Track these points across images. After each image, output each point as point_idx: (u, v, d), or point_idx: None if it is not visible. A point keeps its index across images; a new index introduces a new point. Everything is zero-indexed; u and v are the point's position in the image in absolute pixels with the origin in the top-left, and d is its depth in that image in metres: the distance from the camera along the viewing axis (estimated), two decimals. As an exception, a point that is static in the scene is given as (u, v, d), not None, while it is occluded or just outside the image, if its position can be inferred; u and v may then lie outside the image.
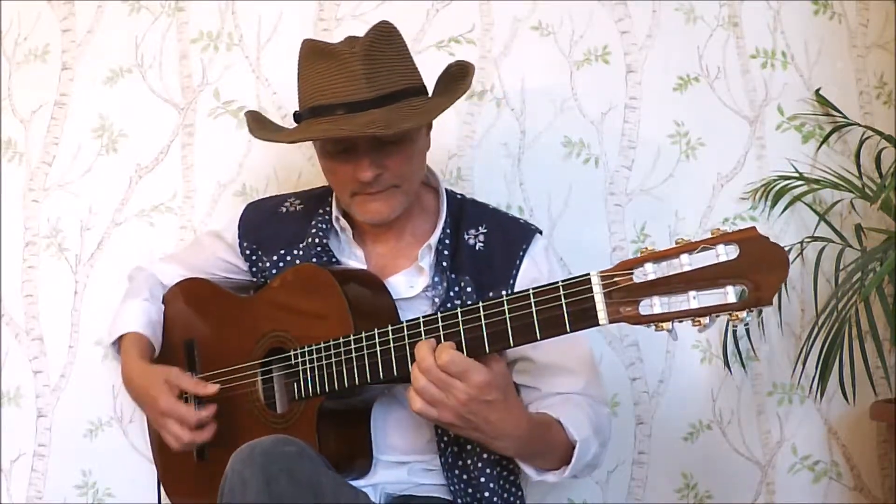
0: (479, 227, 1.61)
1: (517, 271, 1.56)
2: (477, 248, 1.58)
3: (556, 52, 2.00)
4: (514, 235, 1.60)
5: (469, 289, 1.54)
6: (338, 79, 1.46)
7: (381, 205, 1.53)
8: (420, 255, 1.57)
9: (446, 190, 1.65)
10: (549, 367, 1.55)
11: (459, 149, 1.99)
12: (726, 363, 1.95)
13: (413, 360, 1.33)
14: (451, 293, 1.54)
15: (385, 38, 1.51)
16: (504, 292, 1.48)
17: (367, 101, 1.45)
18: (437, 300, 1.54)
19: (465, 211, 1.63)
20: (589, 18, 2.00)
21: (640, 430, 1.99)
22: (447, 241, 1.58)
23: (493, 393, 1.30)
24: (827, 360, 1.72)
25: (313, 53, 1.51)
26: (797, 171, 1.97)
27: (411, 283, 1.57)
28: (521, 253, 1.58)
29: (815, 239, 1.93)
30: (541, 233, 1.64)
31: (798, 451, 2.00)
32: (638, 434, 1.99)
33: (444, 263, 1.56)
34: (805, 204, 1.98)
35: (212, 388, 1.56)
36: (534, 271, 1.57)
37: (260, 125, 1.65)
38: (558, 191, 1.99)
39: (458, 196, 1.68)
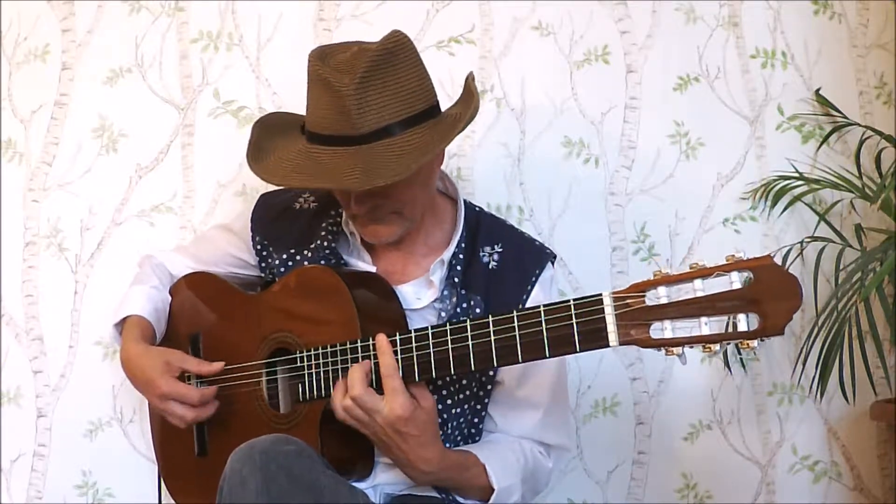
0: (496, 246, 1.58)
1: (527, 297, 1.55)
2: (490, 266, 1.56)
3: (556, 52, 2.00)
4: (529, 259, 1.58)
5: (479, 309, 1.52)
6: (327, 110, 1.41)
7: (382, 228, 1.51)
8: (432, 269, 1.55)
9: (464, 201, 1.63)
10: (516, 401, 1.56)
11: (459, 149, 1.99)
12: (726, 363, 1.95)
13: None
14: (459, 309, 1.52)
15: (387, 62, 1.41)
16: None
17: (352, 138, 1.40)
18: (444, 314, 1.53)
19: (482, 226, 1.61)
20: (589, 18, 2.00)
21: (640, 430, 1.99)
22: (461, 256, 1.56)
23: (408, 427, 1.36)
24: (827, 360, 1.72)
25: (312, 74, 1.44)
26: (797, 171, 1.97)
27: (419, 295, 1.56)
28: (534, 279, 1.56)
29: (815, 239, 1.93)
30: (554, 259, 1.62)
31: (798, 451, 2.00)
32: (638, 434, 1.99)
33: (456, 279, 1.54)
34: (805, 204, 1.98)
35: (216, 366, 1.56)
36: (541, 298, 1.56)
37: (258, 152, 1.55)
38: (558, 191, 1.99)
39: (477, 209, 1.65)
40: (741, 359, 1.95)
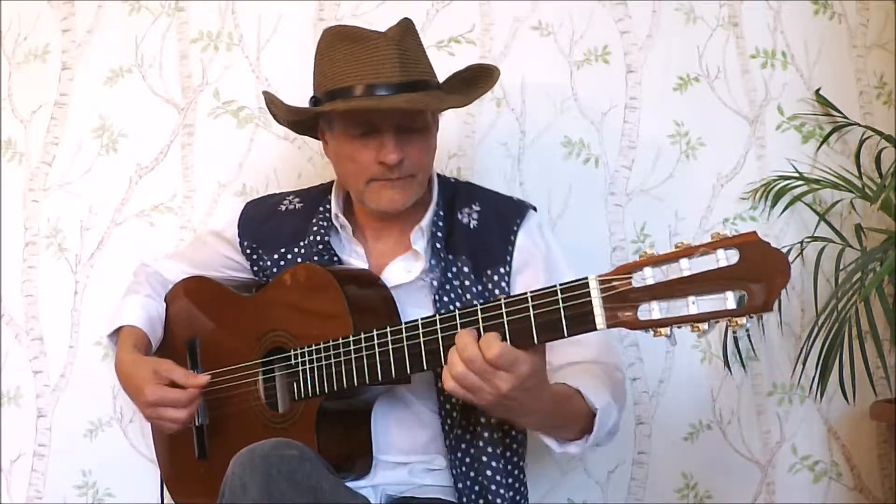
0: (473, 206, 1.61)
1: (513, 247, 1.56)
2: (471, 225, 1.59)
3: (556, 52, 2.00)
4: (508, 211, 1.60)
5: (466, 269, 1.54)
6: (370, 61, 1.47)
7: (397, 193, 1.53)
8: (413, 239, 1.57)
9: (440, 175, 1.66)
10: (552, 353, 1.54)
11: (459, 149, 1.99)
12: (726, 363, 1.95)
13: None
14: (449, 274, 1.54)
15: (412, 32, 1.54)
16: (502, 295, 1.49)
17: (397, 85, 1.47)
18: (434, 283, 1.54)
19: (458, 192, 1.64)
20: (589, 18, 2.00)
21: (640, 430, 1.99)
22: (441, 224, 1.58)
23: (532, 380, 1.29)
24: (827, 360, 1.72)
25: (343, 37, 1.51)
26: (797, 171, 1.97)
27: (409, 269, 1.57)
28: (516, 228, 1.58)
29: (815, 239, 1.93)
30: (535, 209, 1.64)
31: (798, 451, 2.00)
32: (638, 434, 1.99)
33: (439, 245, 1.56)
34: (805, 204, 1.98)
35: (202, 379, 1.55)
36: (529, 245, 1.57)
37: (278, 108, 1.62)
38: (558, 191, 1.99)
39: (452, 180, 1.69)
40: (741, 358, 1.95)
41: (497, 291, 1.54)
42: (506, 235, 1.57)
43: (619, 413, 1.48)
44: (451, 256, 1.55)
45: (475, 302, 1.50)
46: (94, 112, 2.01)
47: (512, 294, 1.50)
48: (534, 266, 1.57)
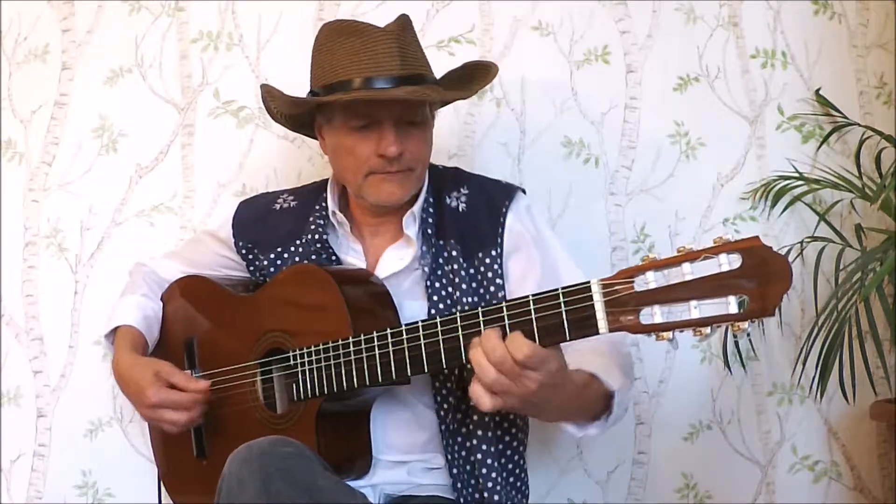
0: (461, 189, 1.61)
1: (503, 229, 1.56)
2: (460, 209, 1.59)
3: (556, 52, 2.00)
4: (496, 193, 1.60)
5: (455, 253, 1.54)
6: (370, 54, 1.48)
7: (396, 186, 1.54)
8: (405, 224, 1.57)
9: (430, 163, 1.66)
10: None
11: (459, 149, 1.99)
12: (726, 363, 1.95)
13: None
14: (441, 260, 1.54)
15: (410, 28, 1.55)
16: (503, 295, 1.50)
17: (398, 78, 1.48)
18: (426, 269, 1.55)
19: (446, 177, 1.65)
20: (589, 18, 2.00)
21: (640, 430, 1.99)
22: (431, 210, 1.59)
23: (559, 376, 1.27)
24: (827, 360, 1.72)
25: (342, 31, 1.52)
26: (797, 171, 1.97)
27: (401, 256, 1.58)
28: (504, 209, 1.58)
29: (815, 239, 1.93)
30: (524, 191, 1.64)
31: (798, 451, 2.00)
32: (638, 434, 1.98)
33: (430, 231, 1.56)
34: (805, 204, 1.98)
35: (203, 385, 1.56)
36: (518, 227, 1.57)
37: (278, 101, 1.62)
38: (558, 191, 1.99)
39: (440, 166, 1.69)
40: (741, 358, 1.95)
41: (490, 275, 1.54)
42: (495, 217, 1.57)
43: (631, 388, 1.50)
44: (441, 242, 1.56)
45: (482, 303, 1.50)
46: (94, 112, 2.02)
47: (503, 276, 1.52)
48: (525, 248, 1.57)
